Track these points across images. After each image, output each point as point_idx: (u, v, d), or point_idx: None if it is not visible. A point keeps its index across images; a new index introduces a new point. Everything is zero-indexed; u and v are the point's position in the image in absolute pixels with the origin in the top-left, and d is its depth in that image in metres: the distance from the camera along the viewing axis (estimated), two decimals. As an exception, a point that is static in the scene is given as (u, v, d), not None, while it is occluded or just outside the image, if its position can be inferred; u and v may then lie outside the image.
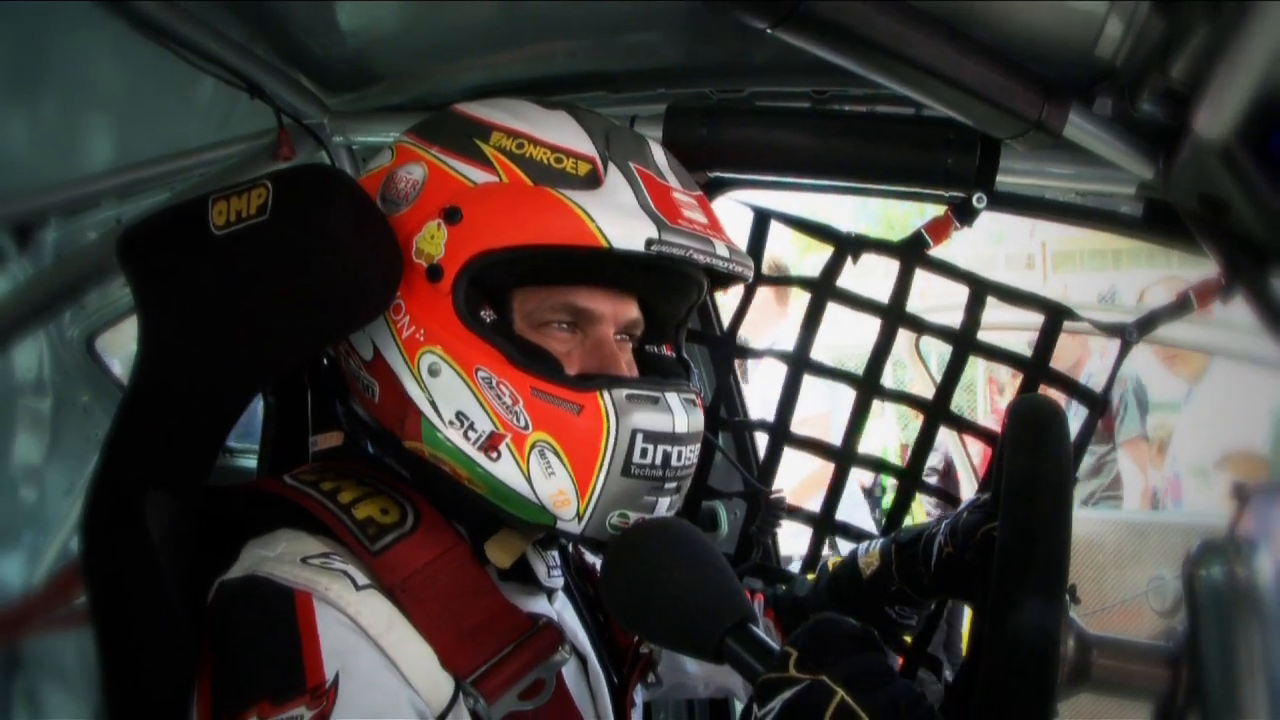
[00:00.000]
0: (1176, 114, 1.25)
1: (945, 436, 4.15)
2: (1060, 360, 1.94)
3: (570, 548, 1.48)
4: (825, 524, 2.04)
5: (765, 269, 1.99)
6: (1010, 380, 2.05)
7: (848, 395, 2.00)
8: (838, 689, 0.93)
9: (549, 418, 1.14)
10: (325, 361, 1.38)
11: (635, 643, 1.41)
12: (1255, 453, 3.92)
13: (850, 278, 1.96)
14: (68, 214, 1.91)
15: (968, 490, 4.00)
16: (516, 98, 1.31)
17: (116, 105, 1.76)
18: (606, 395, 1.15)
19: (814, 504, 2.08)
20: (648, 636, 1.26)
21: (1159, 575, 2.82)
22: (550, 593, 1.33)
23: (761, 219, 1.98)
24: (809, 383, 2.01)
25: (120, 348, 2.49)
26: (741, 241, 1.64)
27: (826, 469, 2.06)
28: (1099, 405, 1.91)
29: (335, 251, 1.13)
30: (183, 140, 1.89)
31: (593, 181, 1.17)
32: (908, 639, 1.87)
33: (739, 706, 2.35)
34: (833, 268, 1.95)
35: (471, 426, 1.16)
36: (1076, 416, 1.93)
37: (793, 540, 2.25)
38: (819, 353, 2.02)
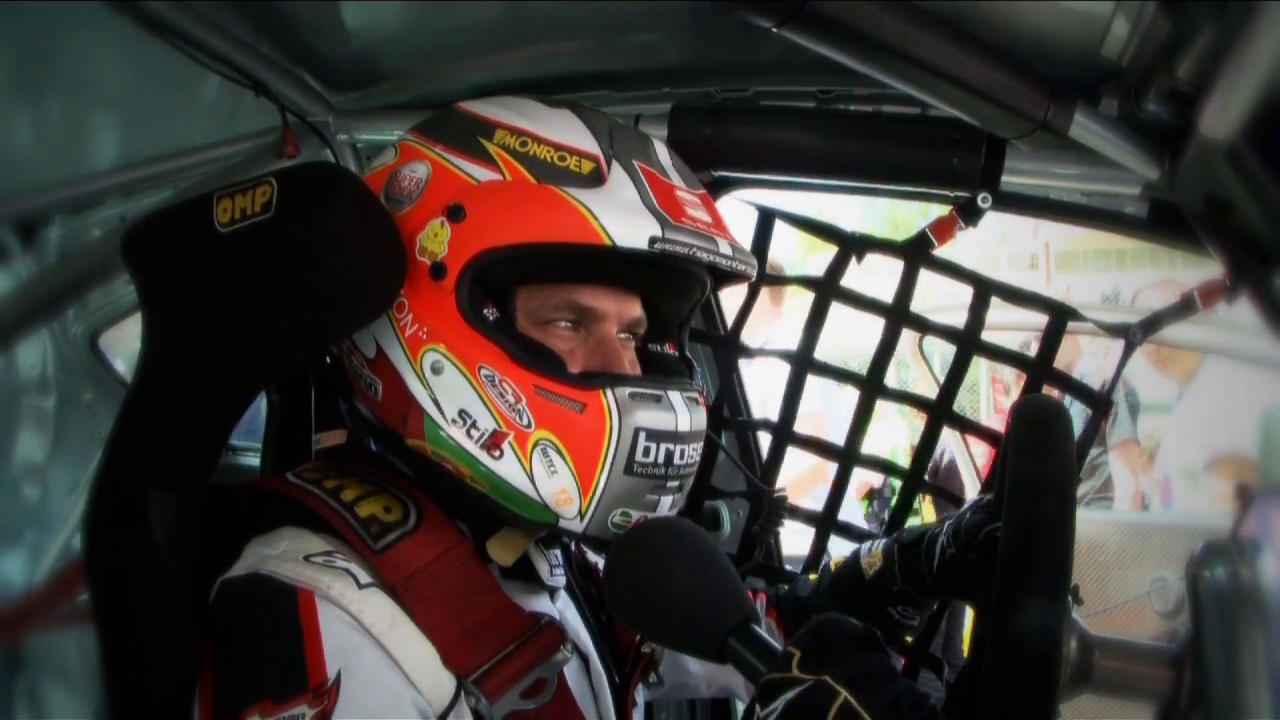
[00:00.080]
0: (1182, 114, 1.25)
1: (948, 437, 4.15)
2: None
3: (573, 546, 1.48)
4: (827, 524, 2.03)
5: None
6: (1016, 381, 2.05)
7: (840, 393, 2.00)
8: (840, 689, 0.93)
9: (552, 416, 1.14)
10: (328, 360, 1.38)
11: (637, 642, 1.41)
12: (1244, 455, 3.93)
13: (855, 277, 1.96)
14: (72, 212, 1.91)
15: (970, 491, 4.00)
16: (522, 96, 1.31)
17: (121, 103, 1.76)
18: (609, 393, 1.15)
19: (807, 500, 2.08)
20: (650, 636, 1.26)
21: (1161, 576, 2.81)
22: (552, 591, 1.33)
23: (766, 218, 1.98)
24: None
25: (124, 346, 2.49)
26: (746, 241, 1.64)
27: (820, 466, 2.06)
28: (1102, 406, 1.90)
29: (340, 250, 1.13)
30: (187, 138, 1.89)
31: (596, 179, 1.17)
32: (909, 639, 1.87)
33: (741, 706, 2.35)
34: (837, 267, 1.95)
35: (474, 425, 1.16)
36: (1078, 417, 1.93)
37: (794, 539, 2.24)
38: (821, 352, 2.02)
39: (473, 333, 1.15)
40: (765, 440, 2.10)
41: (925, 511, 4.94)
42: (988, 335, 1.91)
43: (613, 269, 1.22)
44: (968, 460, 4.11)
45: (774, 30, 1.25)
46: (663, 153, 1.30)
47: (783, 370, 2.04)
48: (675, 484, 1.21)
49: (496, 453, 1.15)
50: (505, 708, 1.10)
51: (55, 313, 2.16)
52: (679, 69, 1.79)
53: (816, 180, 1.86)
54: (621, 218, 1.12)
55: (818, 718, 0.92)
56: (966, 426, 2.12)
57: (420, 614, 1.09)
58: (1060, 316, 1.87)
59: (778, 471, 2.06)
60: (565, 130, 1.22)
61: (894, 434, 5.64)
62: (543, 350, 1.18)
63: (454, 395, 1.16)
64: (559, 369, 1.17)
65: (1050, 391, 1.90)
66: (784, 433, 2.03)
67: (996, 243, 13.77)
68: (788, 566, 2.14)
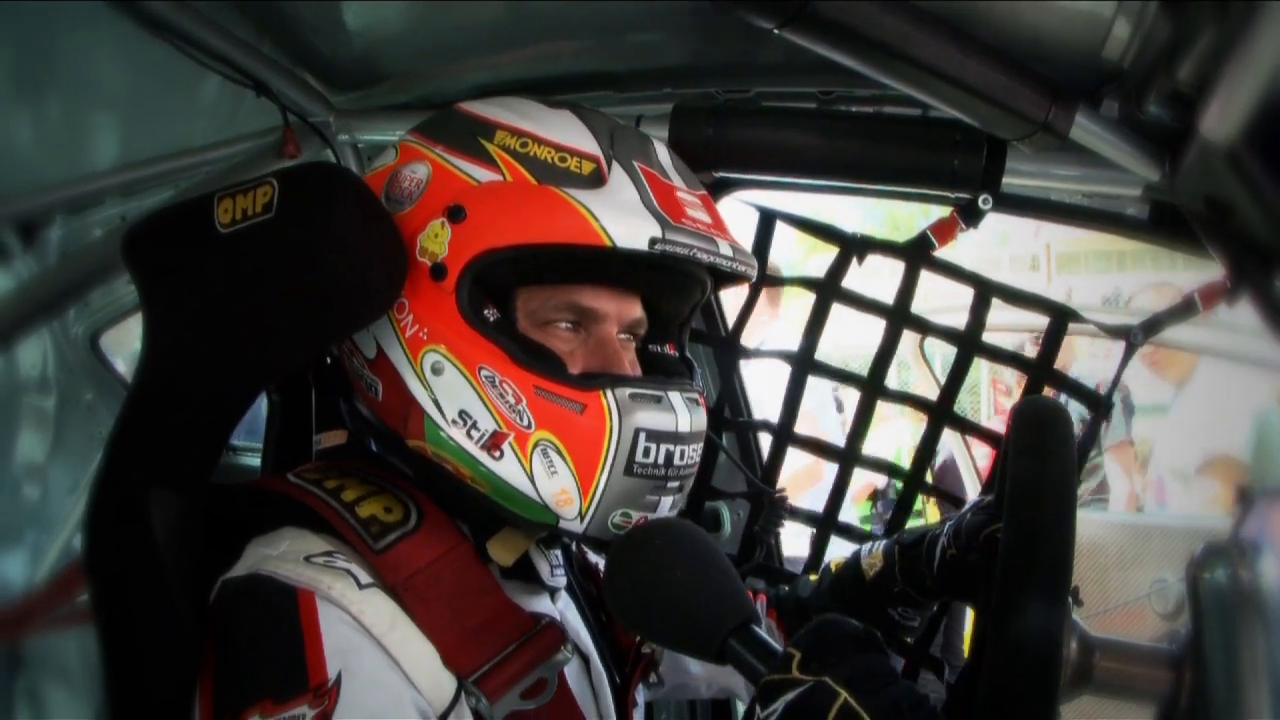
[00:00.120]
0: (1183, 116, 1.25)
1: (949, 438, 4.15)
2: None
3: (573, 547, 1.48)
4: (828, 524, 2.03)
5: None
6: (1017, 383, 2.05)
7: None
8: (840, 690, 0.93)
9: (552, 417, 1.14)
10: (329, 360, 1.38)
11: (637, 642, 1.41)
12: (1235, 458, 3.93)
13: (855, 277, 1.96)
14: (72, 212, 1.91)
15: (970, 492, 4.00)
16: (522, 96, 1.31)
17: (121, 103, 1.76)
18: (609, 394, 1.15)
19: (802, 500, 2.09)
20: (650, 637, 1.26)
21: (1162, 578, 2.81)
22: (553, 592, 1.33)
23: (767, 219, 1.98)
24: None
25: (124, 346, 2.49)
26: (747, 242, 1.64)
27: (815, 465, 2.06)
28: (1102, 407, 1.90)
29: (341, 250, 1.13)
30: (188, 138, 1.89)
31: (597, 180, 1.17)
32: (909, 640, 1.87)
33: (741, 707, 2.35)
34: (838, 268, 1.95)
35: (474, 425, 1.16)
36: (1076, 419, 1.93)
37: (793, 540, 2.25)
38: (820, 352, 2.02)
39: (473, 333, 1.15)
40: (765, 441, 2.10)
41: (929, 513, 4.94)
42: (987, 336, 1.91)
43: (613, 270, 1.22)
44: (968, 461, 4.11)
45: (775, 31, 1.25)
46: (663, 153, 1.30)
47: (777, 370, 2.05)
48: (675, 485, 1.21)
49: (497, 453, 1.15)
50: (506, 708, 1.10)
51: (56, 313, 2.16)
52: (680, 70, 1.80)
53: (818, 181, 1.86)
54: (622, 218, 1.12)
55: (818, 719, 0.92)
56: (967, 428, 2.12)
57: (421, 614, 1.09)
58: (1061, 318, 1.88)
59: (778, 472, 2.06)
60: (566, 131, 1.22)
61: (898, 435, 5.64)
62: (543, 351, 1.18)
63: (454, 396, 1.16)
64: (559, 370, 1.17)
65: (1048, 393, 1.90)
66: (785, 434, 2.03)
67: (997, 244, 13.79)
68: (788, 567, 2.14)
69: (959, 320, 1.93)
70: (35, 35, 1.50)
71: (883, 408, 2.03)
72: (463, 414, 1.16)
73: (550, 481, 1.15)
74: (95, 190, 1.87)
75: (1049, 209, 1.86)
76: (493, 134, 1.21)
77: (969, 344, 1.91)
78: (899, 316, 1.93)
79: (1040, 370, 1.89)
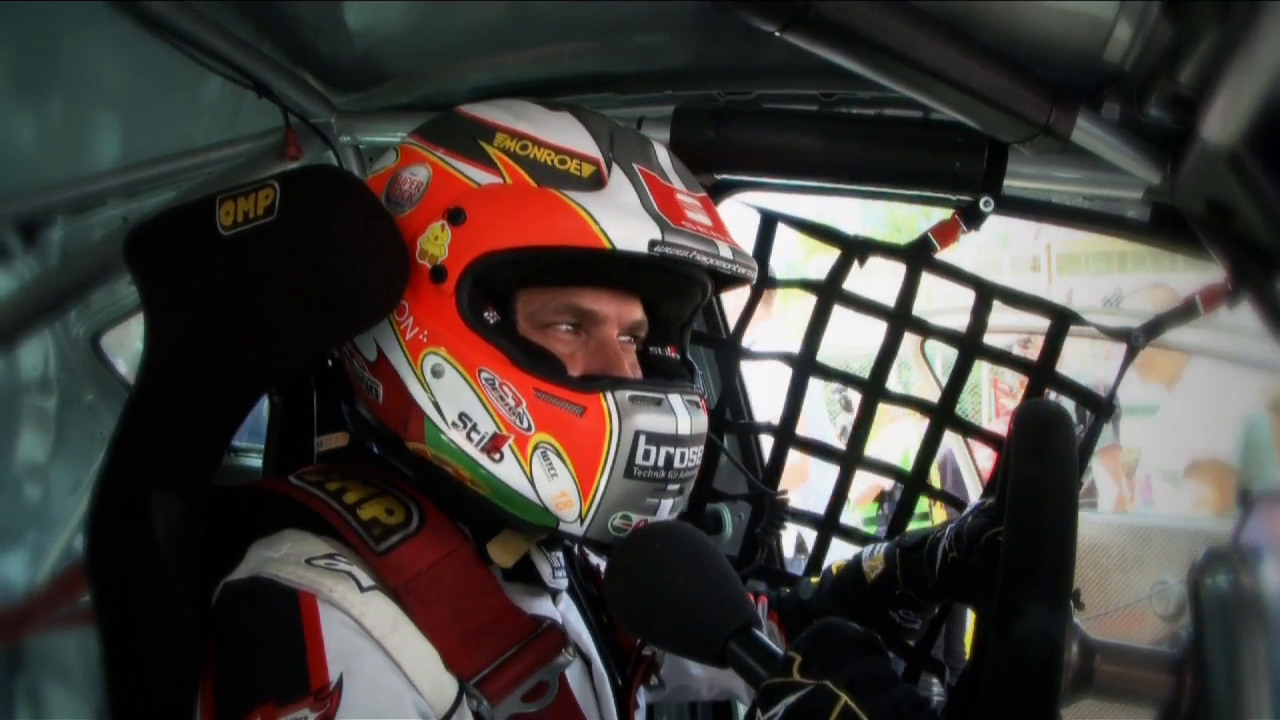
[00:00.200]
0: (1184, 119, 1.25)
1: (950, 440, 4.15)
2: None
3: (575, 549, 1.48)
4: (829, 527, 2.03)
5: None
6: (1019, 384, 2.05)
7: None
8: (841, 694, 0.93)
9: (552, 419, 1.14)
10: (330, 362, 1.38)
11: (639, 644, 1.41)
12: (1222, 461, 3.94)
13: (856, 277, 1.96)
14: (74, 212, 1.90)
15: (971, 494, 4.00)
16: (522, 99, 1.31)
17: (123, 103, 1.76)
18: (609, 397, 1.15)
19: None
20: (651, 640, 1.26)
21: (1163, 580, 2.81)
22: (555, 594, 1.33)
23: (768, 221, 1.98)
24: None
25: (125, 346, 2.49)
26: (748, 244, 1.64)
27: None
28: (1105, 410, 1.90)
29: (342, 253, 1.13)
30: (189, 139, 1.89)
31: (596, 183, 1.17)
32: (911, 643, 1.87)
33: (742, 709, 2.35)
34: (839, 271, 1.95)
35: (474, 428, 1.16)
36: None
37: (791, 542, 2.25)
38: (820, 352, 2.02)
39: (473, 336, 1.15)
40: (767, 442, 2.10)
41: (936, 515, 4.94)
42: (987, 337, 1.91)
43: (613, 272, 1.22)
44: (969, 464, 4.11)
45: (777, 34, 1.25)
46: (663, 156, 1.30)
47: (774, 369, 2.05)
48: (675, 487, 1.21)
49: (496, 456, 1.15)
50: (507, 711, 1.10)
51: (58, 313, 2.16)
52: (682, 72, 1.79)
53: (819, 183, 1.86)
54: (621, 221, 1.12)
55: None
56: (969, 430, 2.12)
57: (422, 617, 1.09)
58: (1062, 320, 1.87)
59: (780, 474, 2.06)
60: (565, 133, 1.22)
61: (904, 436, 5.65)
62: (543, 353, 1.18)
63: (454, 398, 1.16)
64: (559, 372, 1.17)
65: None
66: (786, 436, 2.03)
67: (998, 245, 13.78)
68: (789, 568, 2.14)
69: (960, 321, 1.92)
70: (37, 35, 1.51)
71: (890, 408, 2.03)
72: (463, 416, 1.16)
73: (550, 484, 1.15)
74: (97, 191, 1.87)
75: (1050, 211, 1.86)
76: (492, 136, 1.21)
77: (970, 346, 1.91)
78: (900, 319, 1.93)
79: (1042, 373, 1.89)
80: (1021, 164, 1.66)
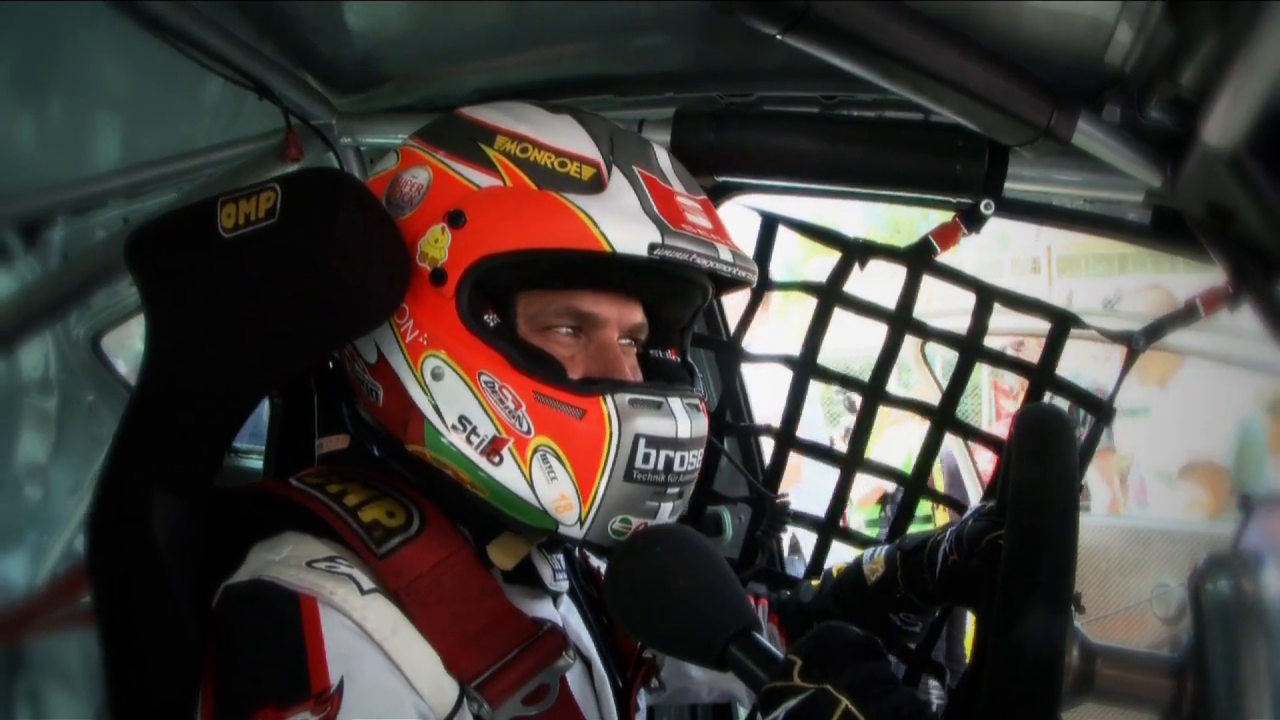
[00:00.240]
0: (1185, 121, 1.25)
1: (950, 442, 4.15)
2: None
3: (576, 551, 1.48)
4: (830, 530, 2.03)
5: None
6: (1020, 386, 2.04)
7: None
8: (842, 698, 0.93)
9: (551, 422, 1.14)
10: (331, 364, 1.38)
11: (639, 647, 1.41)
12: (1216, 463, 3.95)
13: (857, 278, 1.96)
14: (75, 213, 1.90)
15: (972, 497, 4.00)
16: (523, 101, 1.31)
17: (124, 104, 1.76)
18: (609, 400, 1.15)
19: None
20: (651, 643, 1.26)
21: (1163, 582, 2.81)
22: (555, 596, 1.33)
23: (769, 224, 1.98)
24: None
25: (125, 347, 2.49)
26: (749, 246, 1.64)
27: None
28: (1105, 413, 1.90)
29: (343, 255, 1.13)
30: (190, 140, 1.89)
31: (596, 186, 1.17)
32: (911, 645, 1.87)
33: (742, 712, 2.35)
34: (840, 273, 1.94)
35: (474, 431, 1.16)
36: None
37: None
38: (821, 353, 2.02)
39: (473, 339, 1.15)
40: (767, 445, 2.10)
41: (939, 518, 4.94)
42: (987, 339, 1.91)
43: (613, 275, 1.22)
44: (970, 467, 4.11)
45: (778, 36, 1.25)
46: (663, 158, 1.30)
47: (769, 370, 2.05)
48: (675, 491, 1.21)
49: (496, 459, 1.15)
50: (508, 713, 1.10)
51: (58, 314, 2.15)
52: (682, 74, 1.79)
53: (820, 186, 1.86)
54: (621, 224, 1.12)
55: None
56: (969, 433, 2.12)
57: (422, 619, 1.09)
58: (1062, 323, 1.87)
59: (780, 477, 2.06)
60: (566, 136, 1.22)
61: (908, 438, 5.65)
62: (543, 356, 1.18)
63: (454, 401, 1.16)
64: (559, 375, 1.17)
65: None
66: (787, 438, 2.03)
67: (998, 246, 13.76)
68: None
69: (961, 322, 1.92)
70: (38, 36, 1.51)
71: (895, 410, 2.03)
72: (462, 419, 1.16)
73: (550, 487, 1.15)
74: (98, 192, 1.87)
75: (1051, 214, 1.86)
76: (493, 139, 1.21)
77: (971, 350, 1.91)
78: (901, 322, 1.93)
79: (1042, 376, 1.89)
80: (1022, 166, 1.66)
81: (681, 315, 1.37)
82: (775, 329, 4.00)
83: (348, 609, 1.04)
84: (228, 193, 1.20)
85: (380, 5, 1.59)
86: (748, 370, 2.17)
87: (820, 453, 2.05)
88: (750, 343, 2.09)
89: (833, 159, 1.72)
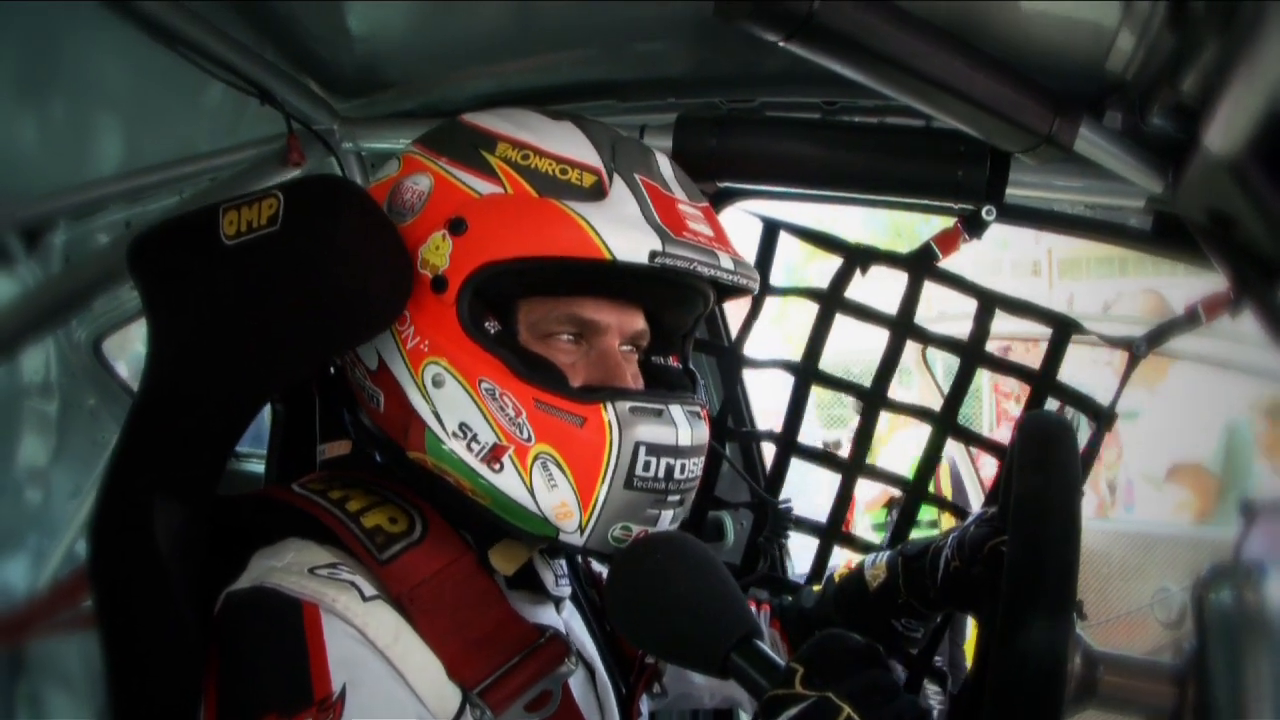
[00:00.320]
0: (1186, 128, 1.25)
1: (953, 448, 4.15)
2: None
3: (578, 556, 1.48)
4: (832, 535, 2.03)
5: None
6: (1021, 388, 2.04)
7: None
8: (844, 705, 0.93)
9: (552, 430, 1.14)
10: (332, 370, 1.38)
11: (642, 652, 1.41)
12: (1203, 466, 3.96)
13: (857, 279, 1.96)
14: (77, 217, 1.91)
15: (974, 502, 4.00)
16: (526, 106, 1.31)
17: (125, 109, 1.76)
18: (610, 408, 1.15)
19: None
20: (652, 651, 1.26)
21: (1164, 587, 2.81)
22: (558, 601, 1.33)
23: (770, 229, 1.98)
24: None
25: (126, 351, 2.49)
26: (750, 252, 1.63)
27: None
28: (1105, 418, 1.90)
29: (345, 262, 1.14)
30: (192, 144, 1.89)
31: (597, 193, 1.17)
32: (913, 651, 1.87)
33: (745, 717, 2.35)
34: (841, 279, 1.95)
35: (474, 438, 1.16)
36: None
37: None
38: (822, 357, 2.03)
39: (474, 346, 1.15)
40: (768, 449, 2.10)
41: (944, 522, 4.94)
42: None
43: (614, 282, 1.22)
44: (971, 472, 4.11)
45: (781, 43, 1.25)
46: (665, 165, 1.30)
47: (765, 375, 2.05)
48: (676, 498, 1.21)
49: (496, 466, 1.15)
50: None
51: (60, 318, 2.16)
52: (684, 79, 1.80)
53: (821, 192, 1.86)
54: (622, 232, 1.12)
55: None
56: (971, 439, 2.12)
57: (424, 626, 1.09)
58: (1063, 329, 1.87)
59: (782, 483, 2.06)
60: (567, 143, 1.22)
61: (918, 442, 5.65)
62: (543, 363, 1.18)
63: (455, 408, 1.16)
64: (560, 383, 1.17)
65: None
66: (789, 444, 2.03)
67: (999, 249, 13.74)
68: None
69: (961, 327, 1.92)
70: (40, 40, 1.51)
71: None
72: (463, 426, 1.16)
73: (550, 495, 1.15)
74: (99, 196, 1.87)
75: (1052, 220, 1.86)
76: (494, 146, 1.21)
77: (972, 355, 1.91)
78: (903, 328, 1.93)
79: (1043, 382, 1.89)
80: (1024, 173, 1.66)
81: (683, 322, 1.37)
82: (770, 333, 3.99)
83: (349, 616, 1.04)
84: (230, 200, 1.20)
85: (382, 10, 1.59)
86: (748, 372, 2.17)
87: (822, 458, 2.05)
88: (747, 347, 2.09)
89: (835, 165, 1.72)
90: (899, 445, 5.57)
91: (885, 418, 2.00)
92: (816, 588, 1.65)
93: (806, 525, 2.05)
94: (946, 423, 1.96)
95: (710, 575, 1.09)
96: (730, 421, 2.10)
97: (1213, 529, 3.72)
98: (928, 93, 1.33)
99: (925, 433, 2.01)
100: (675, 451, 1.19)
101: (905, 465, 2.15)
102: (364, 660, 1.03)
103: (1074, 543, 0.97)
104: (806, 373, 1.99)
